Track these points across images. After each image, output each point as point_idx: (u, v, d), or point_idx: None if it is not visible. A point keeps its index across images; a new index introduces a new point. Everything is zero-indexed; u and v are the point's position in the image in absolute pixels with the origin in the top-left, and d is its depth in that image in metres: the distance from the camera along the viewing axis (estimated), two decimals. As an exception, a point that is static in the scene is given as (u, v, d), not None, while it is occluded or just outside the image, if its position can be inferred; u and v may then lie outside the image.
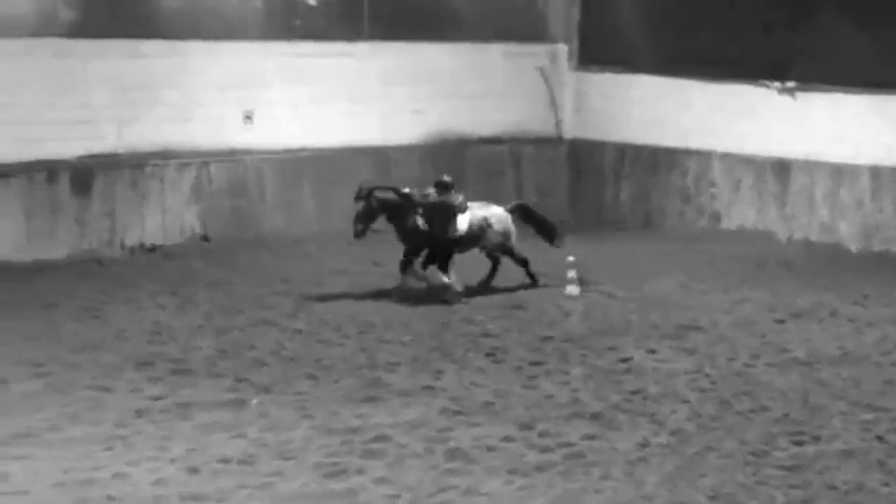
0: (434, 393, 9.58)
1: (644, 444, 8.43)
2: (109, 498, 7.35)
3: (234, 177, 16.25)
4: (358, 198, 12.87)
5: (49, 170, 14.95)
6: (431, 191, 12.88)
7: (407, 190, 12.98)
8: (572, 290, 12.81)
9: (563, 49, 18.65)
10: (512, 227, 13.25)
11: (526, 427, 8.79)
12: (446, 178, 13.02)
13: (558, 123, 18.58)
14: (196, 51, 16.15)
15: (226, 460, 8.06)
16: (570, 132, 18.55)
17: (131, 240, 15.25)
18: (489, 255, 13.26)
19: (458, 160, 17.66)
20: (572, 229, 16.88)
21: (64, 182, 14.95)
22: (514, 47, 18.42)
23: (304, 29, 16.99)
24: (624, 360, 10.48)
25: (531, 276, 13.23)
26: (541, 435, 8.63)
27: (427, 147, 17.56)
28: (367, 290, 12.99)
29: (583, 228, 16.63)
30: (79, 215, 14.94)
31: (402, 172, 17.29)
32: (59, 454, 8.04)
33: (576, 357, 10.59)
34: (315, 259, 14.88)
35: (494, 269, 13.25)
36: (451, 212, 12.75)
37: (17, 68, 14.88)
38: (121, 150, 15.57)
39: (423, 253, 12.86)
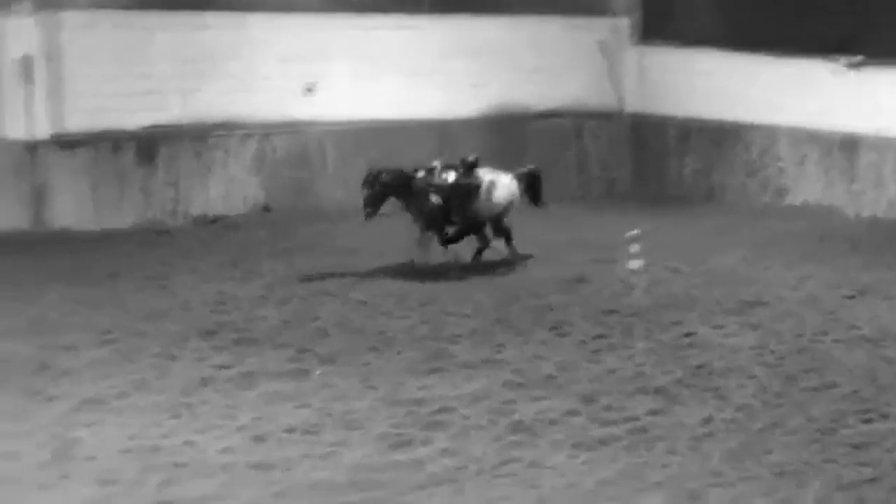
0: (497, 365, 9.57)
1: (709, 420, 8.36)
2: (176, 465, 7.40)
3: (295, 148, 16.32)
4: (365, 184, 12.69)
5: (114, 140, 15.10)
6: (437, 165, 12.65)
7: (418, 172, 12.67)
8: (635, 263, 12.73)
9: (624, 22, 18.50)
10: (517, 196, 12.97)
11: (589, 401, 8.74)
12: (470, 157, 12.84)
13: (620, 97, 18.46)
14: (259, 23, 16.22)
15: (291, 429, 8.09)
16: (632, 106, 18.42)
17: (195, 210, 15.38)
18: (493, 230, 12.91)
19: (518, 134, 17.62)
20: (635, 203, 16.85)
21: (129, 152, 15.09)
22: (574, 21, 18.31)
23: (366, 2, 16.99)
24: (688, 335, 10.40)
25: (510, 248, 12.87)
26: (604, 409, 8.58)
27: (487, 120, 17.52)
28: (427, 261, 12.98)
29: (645, 202, 16.53)
30: (144, 185, 15.09)
31: (463, 146, 17.28)
32: (127, 421, 8.12)
33: (640, 331, 10.53)
34: (375, 230, 14.87)
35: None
36: (470, 192, 12.57)
37: (83, 40, 15.01)
38: (184, 121, 15.68)
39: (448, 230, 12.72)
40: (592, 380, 9.25)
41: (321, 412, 8.45)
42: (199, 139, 15.69)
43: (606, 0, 18.53)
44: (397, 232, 14.60)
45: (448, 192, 12.55)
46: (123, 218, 14.83)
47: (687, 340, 10.27)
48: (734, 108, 16.99)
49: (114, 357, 9.62)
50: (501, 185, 12.85)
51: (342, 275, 12.45)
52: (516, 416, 8.40)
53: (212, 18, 15.93)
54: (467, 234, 12.81)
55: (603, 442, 7.97)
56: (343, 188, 16.37)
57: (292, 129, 16.34)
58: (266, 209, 15.76)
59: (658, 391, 8.97)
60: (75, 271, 12.51)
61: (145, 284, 12.02)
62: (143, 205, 15.07)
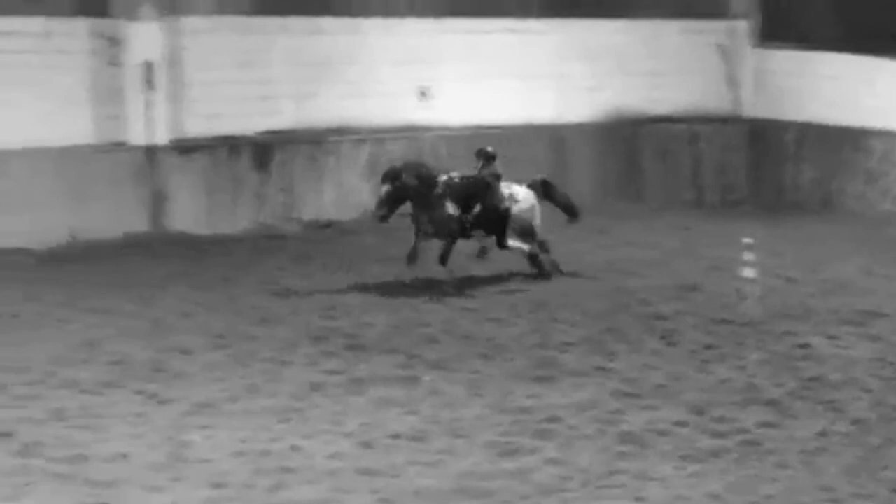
0: (606, 374, 9.50)
1: (823, 433, 8.20)
2: (286, 469, 7.48)
3: (409, 153, 16.37)
4: (385, 179, 12.24)
5: (231, 145, 15.32)
6: (455, 176, 12.33)
7: (443, 176, 12.30)
8: (749, 272, 12.53)
9: (743, 25, 18.24)
10: (538, 206, 12.60)
11: (699, 412, 8.63)
12: (489, 149, 12.56)
13: (737, 102, 18.19)
14: (374, 28, 16.32)
15: (398, 436, 8.12)
16: (749, 111, 18.14)
17: (307, 215, 15.54)
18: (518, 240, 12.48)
19: (633, 139, 17.49)
20: (750, 210, 16.59)
21: (245, 157, 15.30)
22: (691, 24, 18.11)
23: (480, 6, 17.00)
24: (802, 346, 10.21)
25: (537, 266, 12.48)
26: (714, 420, 8.47)
27: (602, 125, 17.40)
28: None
29: (761, 210, 16.26)
30: (258, 190, 15.29)
31: (576, 150, 17.23)
32: (238, 424, 8.23)
33: (752, 341, 10.37)
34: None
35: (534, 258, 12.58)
36: (488, 185, 12.26)
37: (203, 46, 15.27)
38: (299, 126, 15.85)
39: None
40: (703, 390, 9.13)
41: (429, 419, 8.47)
42: (313, 144, 15.84)
43: (724, 3, 18.29)
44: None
45: (467, 185, 12.20)
46: (238, 222, 15.04)
47: (801, 352, 10.09)
48: (854, 113, 16.62)
49: (226, 361, 9.77)
50: (523, 195, 12.50)
51: (452, 281, 12.45)
52: (624, 426, 8.33)
53: (328, 23, 16.08)
54: (500, 227, 12.26)
55: (712, 454, 7.86)
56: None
57: (406, 134, 16.41)
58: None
59: (770, 403, 8.82)
60: (190, 275, 12.74)
61: (258, 289, 12.18)
62: (256, 210, 15.27)
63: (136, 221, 14.76)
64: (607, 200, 17.20)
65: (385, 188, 12.19)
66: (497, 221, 12.35)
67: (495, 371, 9.59)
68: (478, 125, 16.76)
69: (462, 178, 12.36)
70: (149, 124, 15.09)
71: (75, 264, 13.53)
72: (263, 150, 15.46)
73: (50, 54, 14.73)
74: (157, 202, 14.96)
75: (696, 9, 18.13)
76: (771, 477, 7.50)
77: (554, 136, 17.04)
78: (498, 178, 12.43)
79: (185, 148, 15.14)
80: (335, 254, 13.85)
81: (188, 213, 14.84)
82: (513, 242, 12.40)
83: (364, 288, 12.27)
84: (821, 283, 12.35)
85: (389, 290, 12.14)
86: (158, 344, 10.20)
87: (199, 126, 15.31)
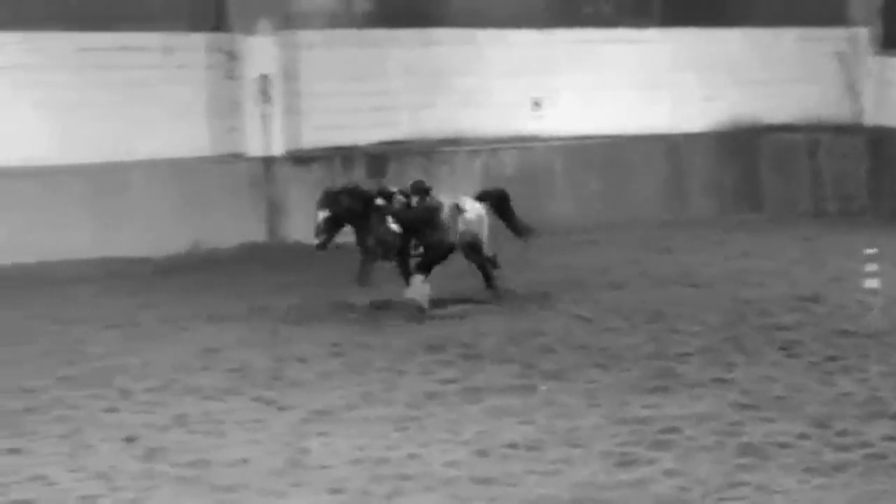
0: (725, 385, 9.35)
1: (951, 448, 7.97)
2: (402, 477, 7.50)
3: (522, 164, 16.37)
4: (322, 205, 11.66)
5: (346, 156, 15.47)
6: (395, 191, 11.71)
7: (379, 200, 11.65)
8: (871, 283, 12.26)
9: (863, 33, 17.91)
10: (485, 218, 11.93)
11: (821, 425, 8.44)
12: (422, 182, 11.91)
13: (857, 110, 17.85)
14: (488, 38, 16.36)
15: (514, 445, 8.08)
16: (870, 119, 17.78)
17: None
18: (466, 257, 11.91)
19: (750, 148, 17.26)
20: (871, 220, 16.25)
21: (360, 168, 15.43)
22: (809, 32, 17.85)
23: (593, 16, 16.95)
24: (928, 359, 9.96)
25: (489, 282, 11.89)
26: (837, 434, 8.27)
27: (718, 135, 17.21)
28: (655, 278, 12.82)
29: (883, 219, 15.90)
30: (372, 201, 15.38)
31: (692, 160, 17.05)
32: (356, 432, 8.27)
33: (875, 353, 10.12)
34: (602, 247, 14.81)
35: (485, 272, 11.98)
36: (431, 214, 11.58)
37: (319, 58, 15.46)
38: (413, 137, 15.94)
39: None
40: (824, 403, 8.93)
41: (545, 429, 8.42)
42: (426, 155, 15.91)
43: (844, 10, 17.97)
44: (624, 249, 14.52)
45: (408, 216, 11.53)
46: (352, 233, 15.14)
47: (928, 364, 9.83)
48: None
49: (342, 369, 9.84)
50: (467, 204, 11.85)
51: (568, 291, 12.40)
52: (744, 438, 8.18)
53: (442, 34, 16.16)
54: (435, 263, 11.63)
55: (836, 468, 7.67)
56: (571, 204, 16.35)
57: (519, 144, 16.40)
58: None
59: (895, 417, 8.60)
60: (305, 284, 12.86)
61: (371, 296, 12.23)
62: (372, 220, 15.37)
63: (252, 231, 14.98)
64: (723, 210, 17.02)
65: (322, 214, 11.61)
66: (440, 254, 11.65)
67: (611, 381, 9.50)
68: (591, 135, 16.70)
69: (406, 203, 11.64)
70: (265, 136, 15.32)
71: (194, 273, 13.78)
72: (378, 160, 15.57)
73: (169, 69, 15.05)
74: (274, 212, 15.17)
75: (815, 17, 17.85)
76: (897, 492, 7.32)
77: (669, 146, 16.90)
78: (436, 209, 11.66)
79: (301, 159, 15.33)
80: (449, 263, 13.85)
81: (304, 224, 14.97)
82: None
83: (479, 297, 12.26)
84: (947, 294, 12.02)
85: (505, 299, 12.10)
86: (276, 352, 10.31)
87: (314, 137, 15.50)
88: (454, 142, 16.11)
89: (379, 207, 11.62)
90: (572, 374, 9.68)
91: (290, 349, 10.39)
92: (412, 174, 15.69)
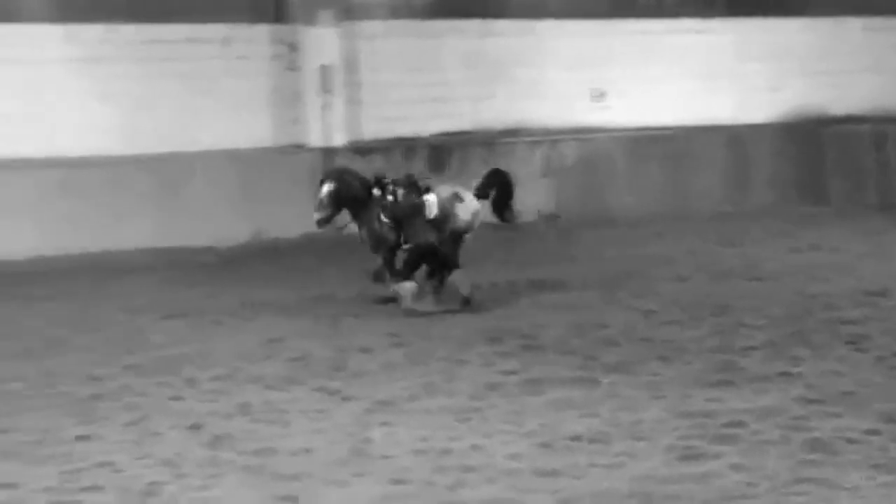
0: (791, 380, 9.24)
1: None
2: (465, 468, 7.48)
3: (583, 155, 16.31)
4: (326, 178, 11.32)
5: (406, 146, 15.48)
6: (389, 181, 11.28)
7: (376, 191, 11.21)
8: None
9: (930, 22, 17.69)
10: (480, 213, 11.50)
11: (890, 420, 8.30)
12: (412, 175, 11.53)
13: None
14: (547, 29, 16.31)
15: (577, 437, 8.03)
16: (940, 110, 17.57)
17: (482, 215, 15.56)
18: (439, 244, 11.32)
19: (814, 140, 17.07)
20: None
21: (420, 159, 15.44)
22: (875, 21, 17.63)
23: (655, 6, 16.85)
24: None
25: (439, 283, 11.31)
26: (906, 430, 8.17)
27: (783, 126, 17.05)
28: (718, 271, 12.71)
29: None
30: (435, 191, 15.40)
31: (756, 151, 16.90)
32: (418, 422, 8.27)
33: (946, 349, 9.98)
34: (665, 238, 14.72)
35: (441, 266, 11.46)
36: (419, 213, 11.17)
37: (379, 49, 15.48)
38: (474, 128, 15.93)
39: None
40: (893, 398, 8.80)
41: (608, 421, 8.37)
42: (487, 146, 15.89)
43: (911, -1, 17.75)
44: (686, 241, 14.41)
45: (395, 210, 11.15)
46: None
47: None
48: None
49: (404, 360, 9.84)
50: (468, 196, 11.46)
51: (630, 283, 12.33)
52: (810, 434, 8.08)
53: (503, 26, 16.14)
54: (413, 263, 11.31)
55: (904, 464, 7.58)
56: (632, 195, 16.27)
57: (579, 135, 16.34)
58: (554, 216, 15.80)
59: (965, 413, 8.47)
60: (367, 274, 12.87)
61: (433, 287, 12.22)
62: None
63: (314, 221, 14.99)
64: (787, 203, 16.86)
65: (326, 188, 11.25)
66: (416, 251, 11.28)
67: (675, 374, 9.43)
68: (653, 126, 16.61)
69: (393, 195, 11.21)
70: (326, 127, 15.37)
71: (256, 263, 13.87)
72: (439, 151, 15.57)
73: (231, 60, 15.14)
74: (334, 203, 15.19)
75: (881, 5, 17.62)
76: (969, 489, 7.21)
77: (732, 137, 16.76)
78: (418, 207, 11.23)
79: (362, 150, 15.35)
80: (510, 255, 13.85)
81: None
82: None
83: (540, 288, 12.24)
84: None
85: (566, 290, 12.07)
86: (337, 342, 10.34)
87: (375, 128, 15.54)
88: (515, 133, 16.09)
89: (373, 197, 11.24)
90: (635, 366, 9.61)
91: (351, 339, 10.41)
92: (473, 165, 15.72)
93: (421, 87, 15.75)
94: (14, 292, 12.70)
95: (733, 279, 12.45)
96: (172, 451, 7.67)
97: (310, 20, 15.34)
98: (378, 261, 11.56)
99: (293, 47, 15.32)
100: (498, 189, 11.69)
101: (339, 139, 15.42)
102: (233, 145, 14.98)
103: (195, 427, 8.12)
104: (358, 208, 11.35)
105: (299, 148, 15.33)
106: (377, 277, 11.59)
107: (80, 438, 7.95)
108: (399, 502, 6.94)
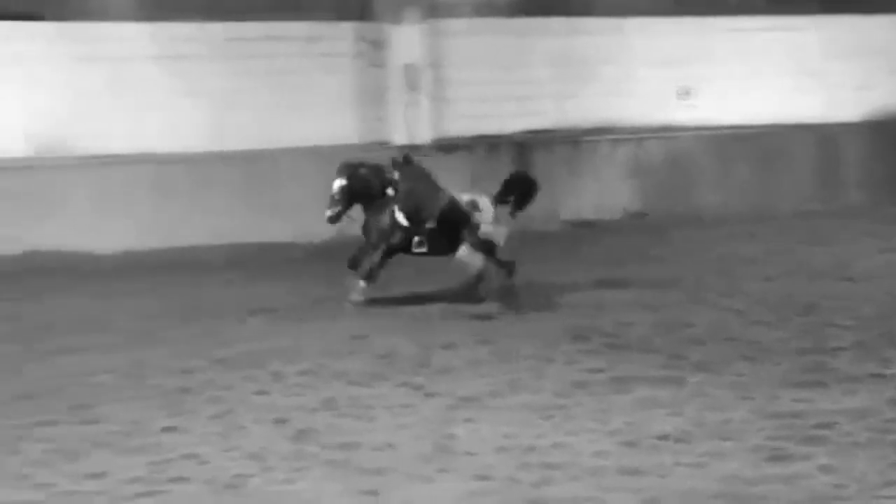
0: (882, 381, 9.08)
1: None
2: (549, 466, 7.46)
3: (669, 153, 16.17)
4: (340, 174, 11.11)
5: (490, 144, 15.46)
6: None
7: (390, 191, 11.11)
8: None
9: None
10: (492, 214, 11.35)
11: None
12: (409, 155, 11.42)
13: None
14: (635, 27, 16.20)
15: (663, 437, 7.97)
16: None
17: (566, 214, 15.53)
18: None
19: (905, 139, 16.79)
20: None
21: (505, 157, 15.42)
22: (971, 17, 17.29)
23: (743, 4, 16.67)
24: None
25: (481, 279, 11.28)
26: None
27: (872, 124, 16.77)
28: (807, 270, 12.53)
29: None
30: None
31: (844, 150, 16.65)
32: (503, 419, 8.26)
33: None
34: (752, 238, 14.55)
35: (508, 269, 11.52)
36: (462, 219, 11.12)
37: (464, 47, 15.48)
38: (558, 126, 15.87)
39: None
40: (985, 401, 8.63)
41: (694, 421, 8.29)
42: (572, 144, 15.83)
43: None
44: (774, 239, 14.23)
45: (421, 198, 11.04)
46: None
47: None
48: None
49: (489, 357, 9.83)
50: (485, 203, 11.38)
51: (717, 282, 12.21)
52: (902, 436, 7.95)
53: (588, 24, 16.06)
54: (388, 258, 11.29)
55: None
56: (719, 193, 16.11)
57: (666, 133, 16.21)
58: (640, 214, 15.70)
59: None
60: (452, 272, 12.87)
61: (518, 285, 12.20)
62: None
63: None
64: (877, 202, 16.58)
65: (338, 183, 11.09)
66: (452, 238, 11.22)
67: (762, 374, 9.31)
68: (740, 125, 16.43)
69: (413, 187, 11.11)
70: (411, 124, 15.40)
71: (340, 259, 13.90)
72: (523, 149, 15.54)
73: (316, 57, 15.23)
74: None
75: (973, 2, 17.28)
76: None
77: (820, 136, 16.52)
78: (467, 216, 11.18)
79: (446, 147, 15.37)
80: (596, 253, 13.78)
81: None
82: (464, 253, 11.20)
83: (624, 286, 12.16)
84: None
85: (651, 290, 11.98)
86: (422, 339, 10.36)
87: (459, 126, 15.54)
88: (600, 131, 16.00)
89: (386, 195, 11.15)
90: (721, 366, 9.52)
91: (435, 336, 10.43)
92: (557, 163, 15.68)
93: (505, 85, 15.73)
94: (104, 287, 12.91)
95: (822, 279, 12.26)
96: (257, 444, 7.74)
97: (395, 18, 15.38)
98: (363, 249, 11.41)
99: (378, 45, 15.38)
100: (518, 194, 11.58)
101: (423, 137, 15.45)
102: (318, 142, 15.08)
103: (280, 421, 8.19)
104: (370, 201, 11.22)
105: (384, 145, 15.38)
106: (352, 264, 11.45)
107: (167, 430, 8.06)
108: (483, 499, 6.94)
